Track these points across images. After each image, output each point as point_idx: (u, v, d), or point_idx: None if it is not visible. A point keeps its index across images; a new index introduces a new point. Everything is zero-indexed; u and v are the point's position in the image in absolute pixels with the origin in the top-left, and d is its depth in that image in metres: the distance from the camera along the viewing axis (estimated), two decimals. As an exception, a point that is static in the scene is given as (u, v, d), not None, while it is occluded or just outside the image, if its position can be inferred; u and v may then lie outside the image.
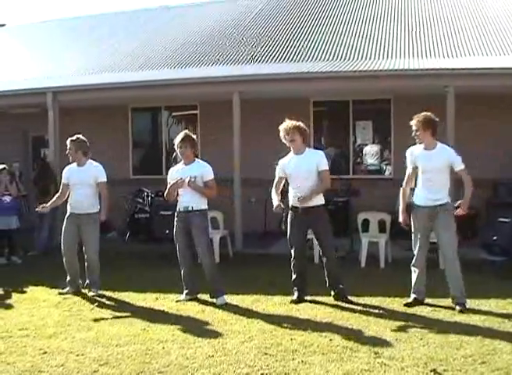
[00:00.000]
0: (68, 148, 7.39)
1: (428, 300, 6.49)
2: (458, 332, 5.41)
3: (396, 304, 6.50)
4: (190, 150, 6.86)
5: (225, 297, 6.75)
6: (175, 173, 6.94)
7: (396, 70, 10.25)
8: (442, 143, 6.46)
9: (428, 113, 6.34)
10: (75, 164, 7.44)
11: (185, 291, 6.94)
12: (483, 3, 14.07)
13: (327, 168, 6.68)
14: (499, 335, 5.29)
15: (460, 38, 12.16)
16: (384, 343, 5.15)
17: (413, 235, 6.55)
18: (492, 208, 10.41)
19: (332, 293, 6.74)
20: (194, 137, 6.99)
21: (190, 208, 6.80)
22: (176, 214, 6.95)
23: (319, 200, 6.67)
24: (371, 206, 9.69)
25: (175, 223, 6.94)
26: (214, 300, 6.73)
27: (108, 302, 6.97)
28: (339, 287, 6.74)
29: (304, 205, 6.58)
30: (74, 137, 7.42)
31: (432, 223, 6.28)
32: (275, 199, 6.69)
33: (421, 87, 10.16)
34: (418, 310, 6.24)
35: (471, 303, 6.27)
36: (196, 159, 6.99)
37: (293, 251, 6.80)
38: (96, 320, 6.14)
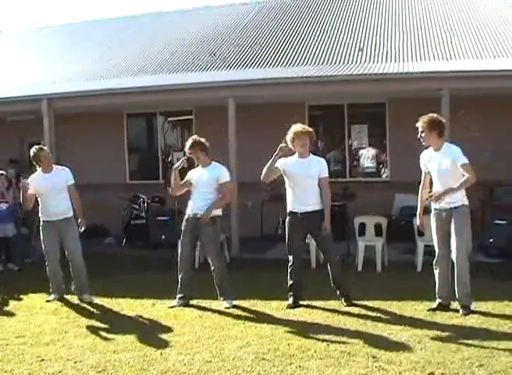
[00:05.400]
0: (45, 155, 7.28)
1: (425, 302, 6.49)
2: (455, 335, 5.42)
3: (393, 307, 6.49)
4: (201, 153, 6.91)
5: (232, 299, 6.82)
6: (195, 176, 6.99)
7: (390, 74, 10.26)
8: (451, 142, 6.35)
9: (435, 114, 6.29)
10: (40, 171, 7.32)
11: (178, 296, 6.94)
12: (477, 6, 14.12)
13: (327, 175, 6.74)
14: (497, 338, 5.30)
15: (454, 41, 12.20)
16: (382, 347, 5.15)
17: (433, 238, 6.47)
18: (488, 210, 10.42)
19: (343, 299, 6.71)
20: (203, 139, 7.01)
21: (199, 215, 6.82)
22: (185, 218, 6.97)
23: (318, 205, 6.67)
24: (368, 210, 9.69)
25: (183, 226, 6.97)
26: (222, 301, 6.82)
27: (105, 309, 6.95)
28: (346, 291, 6.77)
29: (302, 211, 6.61)
30: (45, 147, 7.43)
31: (448, 225, 6.17)
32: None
33: (415, 90, 10.16)
34: (415, 313, 6.24)
35: (468, 306, 6.27)
36: (212, 162, 7.03)
37: (291, 257, 6.80)
38: (93, 327, 6.13)
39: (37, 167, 7.33)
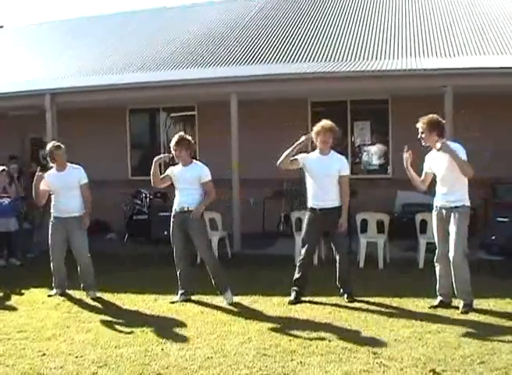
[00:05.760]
0: (60, 154, 7.25)
1: (426, 299, 6.49)
2: (457, 332, 5.42)
3: (395, 304, 6.50)
4: (185, 152, 6.83)
5: (231, 293, 6.79)
6: (175, 172, 6.92)
7: (393, 70, 10.24)
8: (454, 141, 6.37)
9: (434, 115, 6.30)
10: (54, 169, 7.34)
11: (180, 292, 6.94)
12: (480, 2, 14.08)
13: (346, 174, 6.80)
14: (498, 335, 5.30)
15: (457, 38, 12.17)
16: (383, 343, 5.16)
17: (434, 236, 6.52)
18: (490, 207, 10.43)
19: (345, 296, 6.73)
20: (189, 138, 6.95)
21: (185, 209, 6.79)
22: (172, 214, 6.94)
23: (337, 201, 6.72)
24: (370, 207, 9.67)
25: (171, 222, 6.93)
26: (221, 297, 6.79)
27: (106, 304, 6.97)
28: (349, 287, 6.79)
29: (321, 207, 6.64)
30: (61, 144, 7.36)
31: (448, 224, 6.19)
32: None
33: (418, 86, 10.15)
34: (417, 310, 6.24)
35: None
36: (193, 161, 6.96)
37: (303, 251, 6.81)
38: (95, 322, 6.14)
39: (50, 164, 7.35)
